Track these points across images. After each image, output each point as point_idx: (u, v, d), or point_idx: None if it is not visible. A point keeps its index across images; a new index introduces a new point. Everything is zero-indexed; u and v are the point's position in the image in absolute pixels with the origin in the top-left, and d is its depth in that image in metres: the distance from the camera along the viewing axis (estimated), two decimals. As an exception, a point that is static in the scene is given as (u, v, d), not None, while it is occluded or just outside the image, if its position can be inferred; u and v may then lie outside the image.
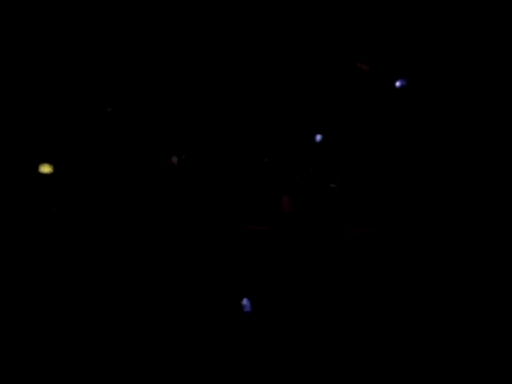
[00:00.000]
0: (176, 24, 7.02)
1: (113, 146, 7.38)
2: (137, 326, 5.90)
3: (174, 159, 7.16)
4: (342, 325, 6.18)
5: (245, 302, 6.33)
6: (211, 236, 6.95)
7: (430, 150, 7.07)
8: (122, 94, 7.37)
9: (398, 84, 7.01)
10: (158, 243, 6.74)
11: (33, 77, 7.01)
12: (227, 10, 6.96)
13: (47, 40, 6.93)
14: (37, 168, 7.20)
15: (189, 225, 7.01)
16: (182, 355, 5.63)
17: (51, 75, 7.05)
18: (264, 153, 7.60)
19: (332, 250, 6.95)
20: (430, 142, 7.07)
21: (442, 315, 6.08)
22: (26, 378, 5.11)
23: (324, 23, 7.01)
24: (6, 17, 6.62)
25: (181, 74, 7.32)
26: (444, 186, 6.99)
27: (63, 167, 7.27)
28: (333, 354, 5.81)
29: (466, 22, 6.54)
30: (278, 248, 6.95)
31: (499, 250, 6.40)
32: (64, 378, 5.20)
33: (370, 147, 7.45)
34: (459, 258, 6.50)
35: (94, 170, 7.32)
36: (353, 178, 7.49)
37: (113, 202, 7.16)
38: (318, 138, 7.67)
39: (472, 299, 6.09)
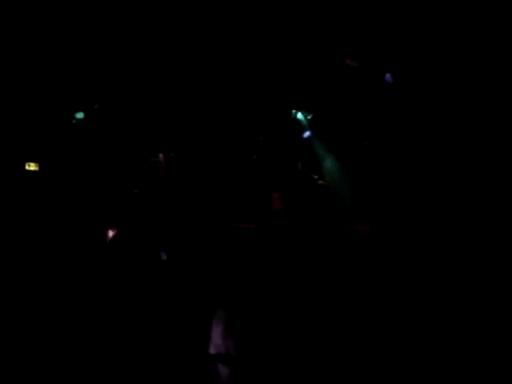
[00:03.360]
0: (157, 22, 6.94)
1: (100, 143, 7.33)
2: (120, 313, 5.85)
3: (161, 157, 7.12)
4: (331, 321, 6.12)
5: None
6: (199, 233, 6.90)
7: (419, 144, 7.05)
8: (108, 91, 7.31)
9: (387, 78, 6.98)
10: (145, 240, 6.68)
11: (16, 76, 6.94)
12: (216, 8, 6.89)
13: (30, 38, 6.85)
14: (23, 166, 7.14)
15: (177, 222, 6.96)
16: (167, 346, 5.57)
17: (35, 74, 6.98)
18: (251, 150, 7.57)
19: (322, 246, 6.92)
20: (419, 136, 7.05)
21: (438, 311, 6.02)
22: (25, 378, 5.07)
23: (314, 21, 6.96)
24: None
25: (167, 73, 7.26)
26: (434, 182, 6.97)
27: (49, 165, 7.22)
28: (320, 349, 5.74)
29: (454, 20, 6.51)
30: (267, 246, 6.90)
31: (497, 247, 6.34)
32: (64, 378, 5.15)
33: (360, 143, 7.43)
34: (456, 256, 6.44)
35: (81, 167, 7.26)
36: (342, 174, 7.46)
37: (100, 200, 7.11)
38: (306, 134, 7.64)
39: (469, 295, 6.02)
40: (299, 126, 7.62)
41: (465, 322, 5.78)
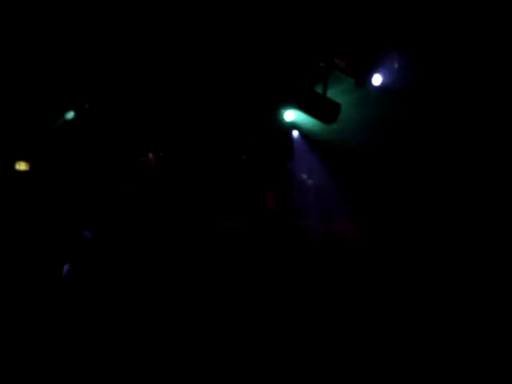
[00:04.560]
0: (144, 23, 6.96)
1: (90, 142, 7.34)
2: (111, 304, 5.85)
3: (151, 156, 7.15)
4: (321, 320, 6.15)
5: None
6: (189, 232, 6.94)
7: (408, 144, 7.10)
8: (98, 90, 7.32)
9: None
10: (136, 239, 6.71)
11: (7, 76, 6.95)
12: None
13: (20, 38, 6.86)
14: (13, 165, 7.16)
15: (167, 220, 6.99)
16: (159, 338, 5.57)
17: (25, 74, 6.99)
18: (241, 150, 7.60)
19: (312, 245, 6.96)
20: (409, 136, 7.10)
21: (432, 311, 6.04)
22: (26, 378, 5.09)
23: (302, 20, 7.01)
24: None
25: (157, 73, 7.28)
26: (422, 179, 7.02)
27: (40, 164, 7.23)
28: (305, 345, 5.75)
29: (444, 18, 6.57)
30: (258, 244, 6.94)
31: (485, 237, 6.36)
32: (64, 378, 5.18)
33: (347, 142, 7.49)
34: (449, 254, 6.46)
35: (71, 166, 7.28)
36: (331, 173, 7.51)
37: (90, 198, 7.13)
38: (294, 134, 7.69)
39: (467, 295, 6.03)
40: (288, 126, 7.68)
41: (458, 321, 5.79)
